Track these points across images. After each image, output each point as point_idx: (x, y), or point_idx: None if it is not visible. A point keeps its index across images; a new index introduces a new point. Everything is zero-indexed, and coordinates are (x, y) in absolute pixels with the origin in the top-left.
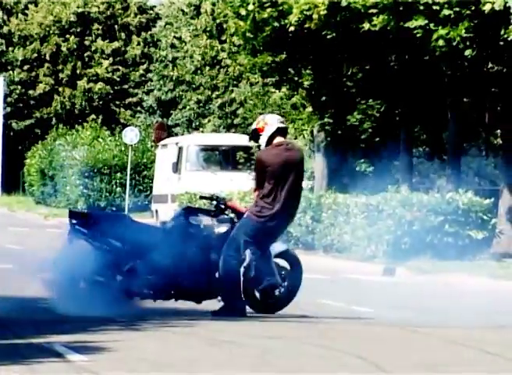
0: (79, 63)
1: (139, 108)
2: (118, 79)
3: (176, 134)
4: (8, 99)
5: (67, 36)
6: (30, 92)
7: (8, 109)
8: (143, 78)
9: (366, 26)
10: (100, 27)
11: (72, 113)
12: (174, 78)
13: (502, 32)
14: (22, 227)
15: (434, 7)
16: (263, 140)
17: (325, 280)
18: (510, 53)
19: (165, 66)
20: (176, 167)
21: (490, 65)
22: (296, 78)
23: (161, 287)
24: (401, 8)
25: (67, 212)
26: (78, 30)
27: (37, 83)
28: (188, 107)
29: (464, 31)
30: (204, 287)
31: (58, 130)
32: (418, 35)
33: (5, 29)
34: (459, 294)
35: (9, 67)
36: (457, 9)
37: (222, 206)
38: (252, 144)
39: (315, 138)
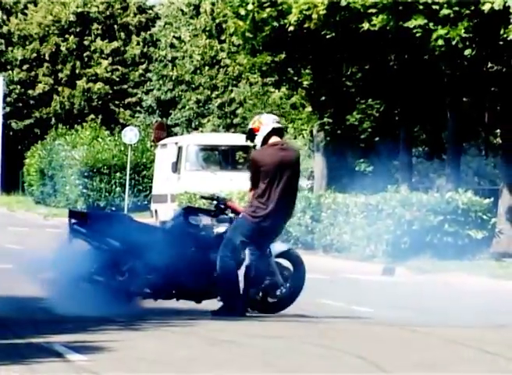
0: (78, 63)
1: (138, 108)
2: (117, 79)
3: (176, 134)
4: (8, 99)
5: (66, 36)
6: (30, 92)
7: (8, 109)
8: (142, 78)
9: (365, 25)
10: (99, 27)
11: (71, 113)
12: (173, 78)
13: (501, 32)
14: (21, 227)
15: (433, 7)
16: (258, 140)
17: (324, 279)
18: (509, 53)
19: (164, 65)
20: (176, 167)
21: (490, 64)
22: (295, 78)
23: (162, 287)
24: (400, 8)
25: (67, 212)
26: (77, 29)
27: (36, 83)
28: (187, 107)
29: (463, 31)
30: (203, 286)
31: (58, 129)
32: (418, 35)
33: (5, 29)
34: (458, 294)
35: (9, 67)
36: (457, 9)
37: (222, 206)
38: (250, 143)
39: (315, 138)
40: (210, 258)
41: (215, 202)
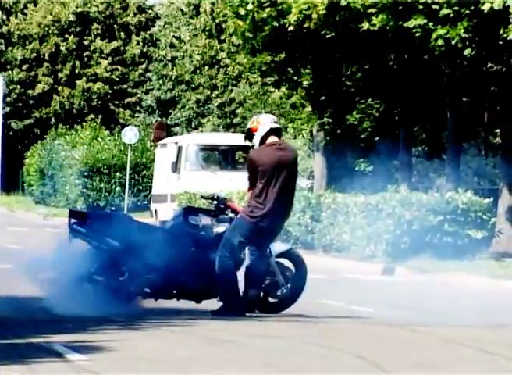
0: (78, 63)
1: (138, 108)
2: (117, 79)
3: (176, 134)
4: (8, 99)
5: (66, 36)
6: (29, 92)
7: (8, 109)
8: (142, 78)
9: (365, 25)
10: (99, 27)
11: (71, 113)
12: (173, 78)
13: (501, 31)
14: (21, 227)
15: (433, 6)
16: (256, 139)
17: (324, 279)
18: (509, 52)
19: (164, 65)
20: (176, 167)
21: (489, 64)
22: (295, 78)
23: (162, 287)
24: (400, 8)
25: (67, 212)
26: (77, 29)
27: (36, 83)
28: (187, 106)
29: (463, 31)
30: (203, 286)
31: (58, 129)
32: (417, 35)
33: (5, 28)
34: (458, 294)
35: (8, 67)
36: (456, 9)
37: (222, 206)
38: (249, 143)
39: (315, 138)
40: (209, 258)
41: (215, 202)
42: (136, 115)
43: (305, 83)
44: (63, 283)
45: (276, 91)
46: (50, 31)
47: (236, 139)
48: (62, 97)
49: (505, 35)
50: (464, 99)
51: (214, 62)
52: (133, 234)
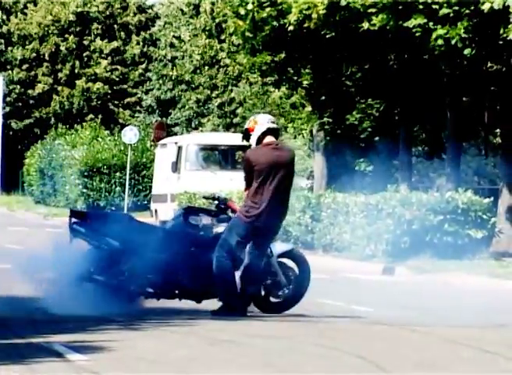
0: (77, 63)
1: (138, 108)
2: (117, 78)
3: (176, 134)
4: (8, 99)
5: (66, 35)
6: (29, 92)
7: (8, 109)
8: (142, 77)
9: (365, 25)
10: (99, 27)
11: (70, 113)
12: (173, 77)
13: (501, 31)
14: (21, 227)
15: (433, 6)
16: (253, 139)
17: (324, 279)
18: (509, 52)
19: (164, 65)
20: (176, 167)
21: (489, 64)
22: (295, 77)
23: (164, 287)
24: (400, 8)
25: (67, 212)
26: (77, 29)
27: (36, 83)
28: (187, 106)
29: (463, 30)
30: (203, 286)
31: (58, 129)
32: (417, 34)
33: (5, 28)
34: (458, 294)
35: (8, 66)
36: (456, 8)
37: (222, 206)
38: (246, 143)
39: (315, 138)
40: (209, 258)
41: (215, 202)
42: (136, 115)
43: (305, 83)
44: (63, 282)
45: (276, 90)
46: (50, 31)
47: (236, 139)
48: (61, 97)
49: (505, 35)
50: (464, 99)
51: (214, 61)
52: (134, 234)
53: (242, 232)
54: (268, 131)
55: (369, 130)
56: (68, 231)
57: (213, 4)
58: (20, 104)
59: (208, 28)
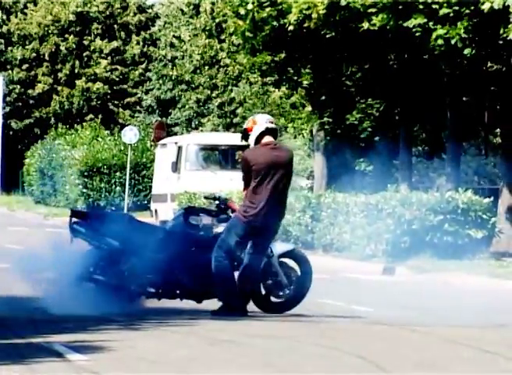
0: (77, 63)
1: (138, 108)
2: (117, 78)
3: (176, 134)
4: (8, 98)
5: (66, 35)
6: (29, 91)
7: (8, 109)
8: (142, 77)
9: (365, 25)
10: (99, 27)
11: (70, 113)
12: (173, 77)
13: (501, 31)
14: (21, 227)
15: (433, 6)
16: (251, 139)
17: (324, 279)
18: (509, 52)
19: (164, 65)
20: (176, 166)
21: (489, 64)
22: (295, 77)
23: (165, 287)
24: (400, 8)
25: (68, 212)
26: (77, 29)
27: (36, 83)
28: (187, 106)
29: (463, 30)
30: (203, 286)
31: (58, 129)
32: (417, 34)
33: (5, 28)
34: (458, 293)
35: (8, 66)
36: (456, 8)
37: (223, 206)
38: (245, 143)
39: (315, 137)
40: (209, 258)
41: (216, 202)
42: (136, 115)
43: (305, 83)
44: (63, 282)
45: (276, 90)
46: (50, 31)
47: (236, 139)
48: (61, 97)
49: (505, 35)
50: (464, 99)
51: (214, 61)
52: (134, 234)
53: (240, 232)
54: (267, 131)
55: (369, 130)
56: (68, 231)
57: (213, 4)
58: (20, 104)
59: (208, 28)
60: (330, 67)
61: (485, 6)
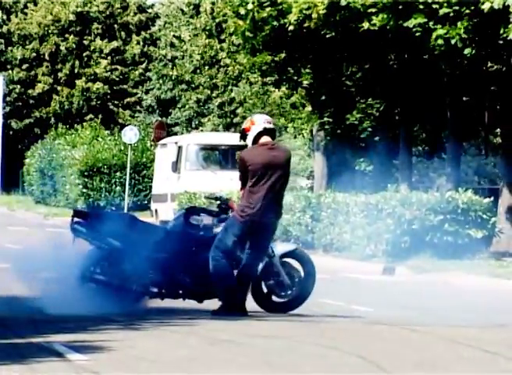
0: (77, 63)
1: (138, 108)
2: (117, 78)
3: (176, 133)
4: (8, 98)
5: (66, 35)
6: (29, 91)
7: (8, 109)
8: (142, 77)
9: (365, 25)
10: (99, 27)
11: (70, 113)
12: (173, 77)
13: (501, 31)
14: (21, 227)
15: (433, 6)
16: (249, 139)
17: (324, 279)
18: (509, 52)
19: (164, 65)
20: (176, 166)
21: (489, 64)
22: (295, 77)
23: (167, 286)
24: (400, 7)
25: (68, 212)
26: (77, 29)
27: (36, 83)
28: (187, 106)
29: (463, 30)
30: (203, 286)
31: (58, 129)
32: (417, 34)
33: (5, 28)
34: (458, 293)
35: (8, 66)
36: (456, 8)
37: (224, 206)
38: (244, 143)
39: (315, 137)
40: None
41: (217, 202)
42: (136, 115)
43: (305, 82)
44: (64, 282)
45: (276, 90)
46: (50, 31)
47: (236, 139)
48: (61, 97)
49: (505, 35)
50: (464, 99)
51: (214, 61)
52: (135, 234)
53: (237, 232)
54: (264, 131)
55: (369, 129)
56: (69, 230)
57: (213, 4)
58: (20, 104)
59: (208, 28)
60: (330, 67)
61: (485, 6)
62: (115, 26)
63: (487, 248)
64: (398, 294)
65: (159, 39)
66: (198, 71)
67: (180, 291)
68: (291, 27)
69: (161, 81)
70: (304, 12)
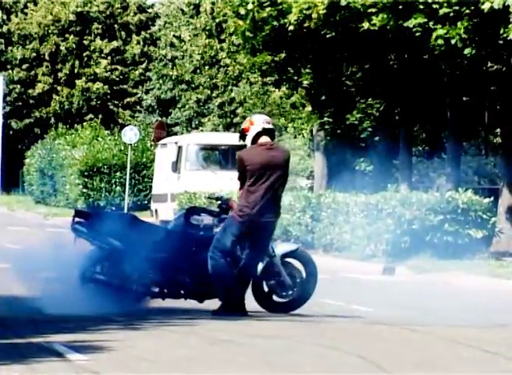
0: (77, 63)
1: (138, 108)
2: (117, 78)
3: (176, 133)
4: (8, 98)
5: (66, 35)
6: (29, 91)
7: (8, 109)
8: (142, 77)
9: (365, 25)
10: (99, 27)
11: (70, 113)
12: (173, 77)
13: (501, 31)
14: (21, 227)
15: (433, 6)
16: (248, 139)
17: (324, 279)
18: (509, 52)
19: (164, 65)
20: (176, 166)
21: (489, 64)
22: (295, 77)
23: (168, 286)
24: (400, 7)
25: (68, 211)
26: (77, 29)
27: (36, 83)
28: (187, 106)
29: (463, 30)
30: (204, 286)
31: (58, 129)
32: (417, 34)
33: (5, 28)
34: (458, 293)
35: (9, 66)
36: (457, 8)
37: (224, 206)
38: (243, 143)
39: (315, 137)
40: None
41: (218, 202)
42: (136, 115)
43: (305, 82)
44: (64, 282)
45: (276, 90)
46: (50, 31)
47: (236, 139)
48: (61, 97)
49: (505, 35)
50: (464, 99)
51: (214, 61)
52: (136, 234)
53: (235, 231)
54: (263, 131)
55: (369, 129)
56: (70, 230)
57: (213, 4)
58: (20, 103)
59: (208, 28)
60: (330, 67)
61: (485, 6)
62: (115, 26)
63: (487, 248)
64: (398, 294)
65: (159, 39)
66: (198, 71)
67: (182, 291)
68: (291, 27)
69: (161, 81)
70: (304, 12)
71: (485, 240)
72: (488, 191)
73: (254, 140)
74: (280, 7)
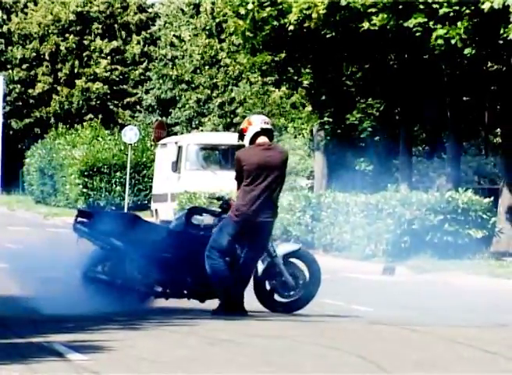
0: (77, 63)
1: (138, 108)
2: (117, 78)
3: (176, 133)
4: (8, 98)
5: (66, 35)
6: (30, 91)
7: (8, 108)
8: (142, 77)
9: (365, 25)
10: (99, 26)
11: (70, 113)
12: (173, 77)
13: (501, 31)
14: (21, 226)
15: (433, 5)
16: (246, 140)
17: (324, 279)
18: (509, 52)
19: (164, 64)
20: (176, 166)
21: (489, 64)
22: (295, 77)
23: (171, 286)
24: (400, 7)
25: (68, 212)
26: (77, 29)
27: (36, 83)
28: (188, 106)
29: (463, 30)
30: (205, 285)
31: (58, 129)
32: (418, 34)
33: (5, 28)
34: (458, 293)
35: (9, 66)
36: (457, 8)
37: (225, 206)
38: (242, 143)
39: (315, 137)
40: None
41: (219, 202)
42: (136, 114)
43: (305, 82)
44: (66, 282)
45: (276, 90)
46: (50, 31)
47: (236, 139)
48: (61, 96)
49: (505, 35)
50: (464, 99)
51: (214, 61)
52: (137, 234)
53: (232, 231)
54: (261, 132)
55: (369, 129)
56: (73, 231)
57: (213, 3)
58: (20, 103)
59: (208, 28)
60: (330, 67)
61: (485, 6)
62: (115, 26)
63: (487, 248)
64: (398, 294)
65: (159, 39)
66: (198, 71)
67: (185, 291)
68: (291, 27)
69: (161, 81)
70: (304, 12)
71: (485, 240)
72: (488, 191)
73: (252, 140)
74: (280, 7)
